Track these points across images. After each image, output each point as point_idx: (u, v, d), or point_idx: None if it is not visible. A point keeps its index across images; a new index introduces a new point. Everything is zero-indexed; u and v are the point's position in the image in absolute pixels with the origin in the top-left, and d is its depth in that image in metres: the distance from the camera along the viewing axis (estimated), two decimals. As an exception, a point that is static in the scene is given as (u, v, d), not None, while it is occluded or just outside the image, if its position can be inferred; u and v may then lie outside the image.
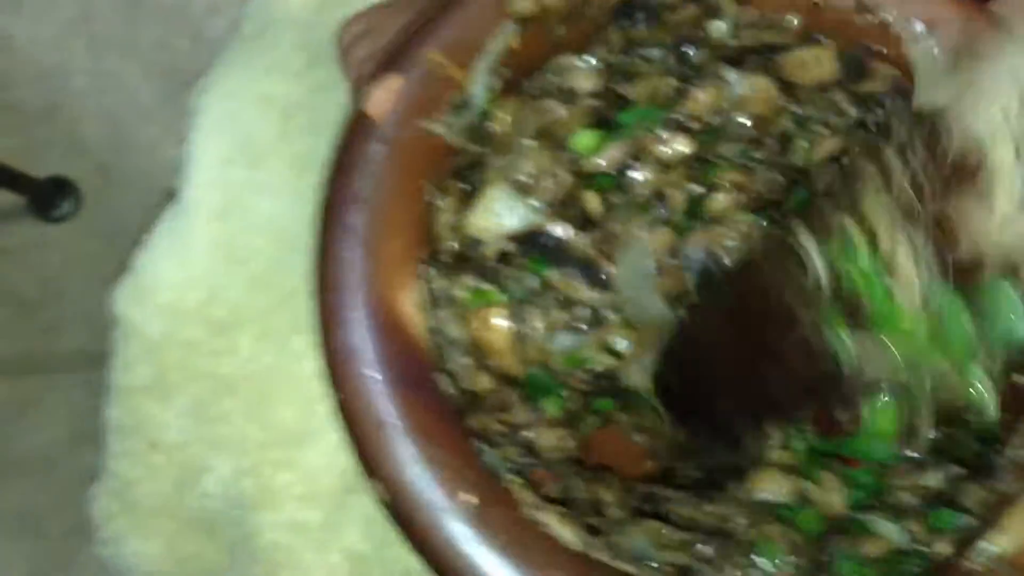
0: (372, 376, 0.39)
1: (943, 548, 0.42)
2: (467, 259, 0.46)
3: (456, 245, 0.46)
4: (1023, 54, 0.28)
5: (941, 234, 0.28)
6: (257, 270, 0.61)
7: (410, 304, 0.40)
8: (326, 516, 0.60)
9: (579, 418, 0.48)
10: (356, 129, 0.42)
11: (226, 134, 0.63)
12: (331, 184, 0.42)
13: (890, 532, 0.43)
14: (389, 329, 0.39)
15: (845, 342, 0.32)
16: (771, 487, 0.45)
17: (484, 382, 0.45)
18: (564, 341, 0.49)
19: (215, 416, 0.61)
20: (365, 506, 0.58)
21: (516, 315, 0.47)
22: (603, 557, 0.39)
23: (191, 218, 0.62)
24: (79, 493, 0.66)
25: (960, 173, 0.27)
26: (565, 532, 0.39)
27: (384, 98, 0.42)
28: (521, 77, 0.47)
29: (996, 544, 0.41)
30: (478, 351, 0.46)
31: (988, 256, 0.28)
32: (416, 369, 0.39)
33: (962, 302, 0.29)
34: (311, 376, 0.60)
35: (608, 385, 0.50)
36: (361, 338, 0.39)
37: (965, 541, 0.42)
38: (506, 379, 0.46)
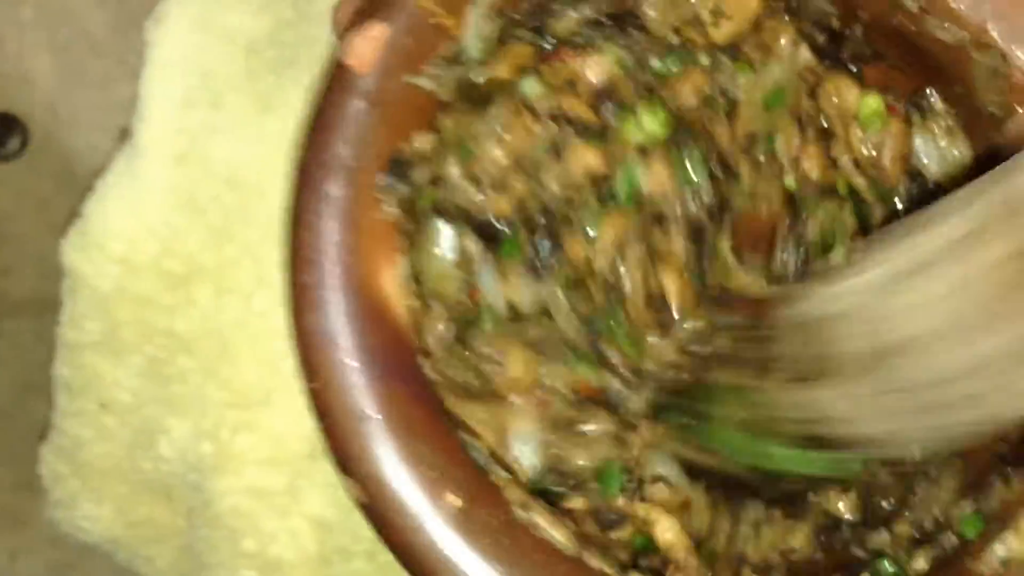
0: (350, 365, 0.35)
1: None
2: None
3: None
4: None
5: None
6: (216, 220, 0.57)
7: (393, 283, 0.36)
8: (289, 481, 0.57)
9: None
10: (335, 83, 0.38)
11: (185, 71, 0.58)
12: (307, 145, 0.37)
13: None
14: (370, 312, 0.35)
15: None
16: None
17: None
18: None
19: (171, 375, 0.57)
20: (330, 472, 0.54)
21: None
22: (598, 563, 0.36)
23: (146, 163, 0.57)
24: (28, 447, 0.63)
25: None
26: (557, 534, 0.36)
27: (366, 49, 0.38)
28: (520, 25, 0.42)
29: (1009, 546, 0.39)
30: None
31: None
32: (399, 356, 0.36)
33: None
34: (274, 334, 0.56)
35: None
36: (338, 321, 0.35)
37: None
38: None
